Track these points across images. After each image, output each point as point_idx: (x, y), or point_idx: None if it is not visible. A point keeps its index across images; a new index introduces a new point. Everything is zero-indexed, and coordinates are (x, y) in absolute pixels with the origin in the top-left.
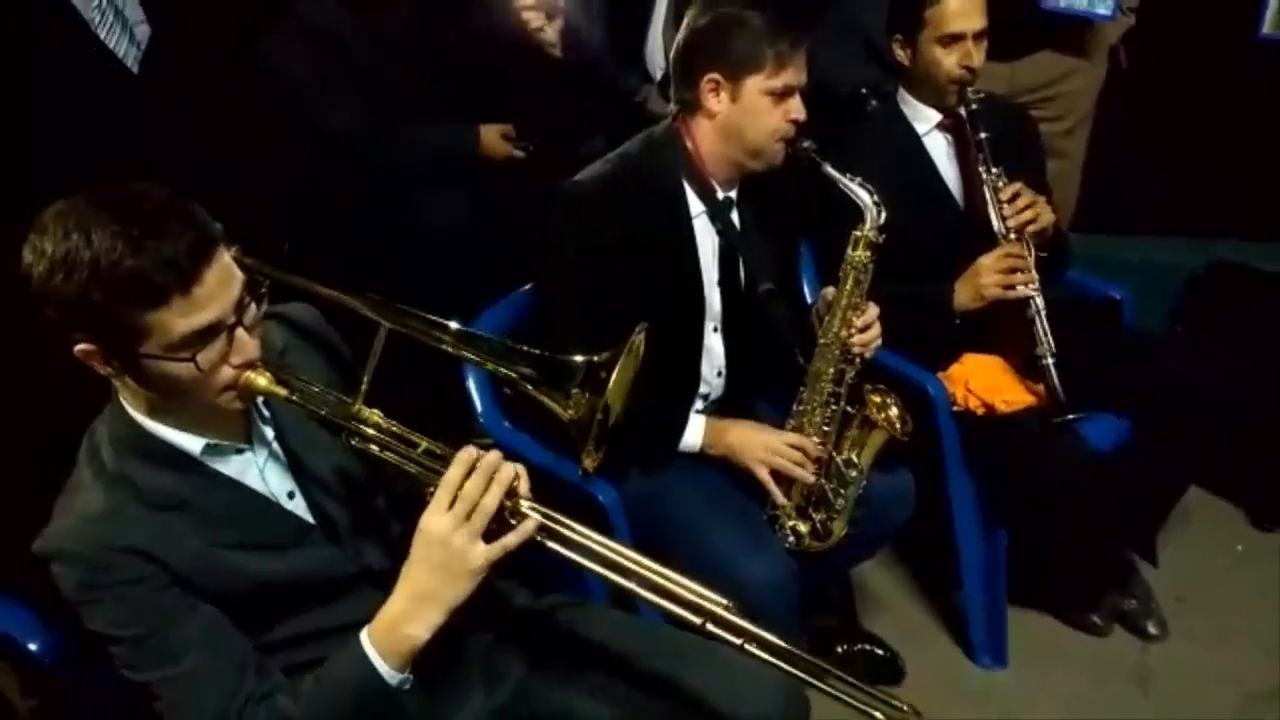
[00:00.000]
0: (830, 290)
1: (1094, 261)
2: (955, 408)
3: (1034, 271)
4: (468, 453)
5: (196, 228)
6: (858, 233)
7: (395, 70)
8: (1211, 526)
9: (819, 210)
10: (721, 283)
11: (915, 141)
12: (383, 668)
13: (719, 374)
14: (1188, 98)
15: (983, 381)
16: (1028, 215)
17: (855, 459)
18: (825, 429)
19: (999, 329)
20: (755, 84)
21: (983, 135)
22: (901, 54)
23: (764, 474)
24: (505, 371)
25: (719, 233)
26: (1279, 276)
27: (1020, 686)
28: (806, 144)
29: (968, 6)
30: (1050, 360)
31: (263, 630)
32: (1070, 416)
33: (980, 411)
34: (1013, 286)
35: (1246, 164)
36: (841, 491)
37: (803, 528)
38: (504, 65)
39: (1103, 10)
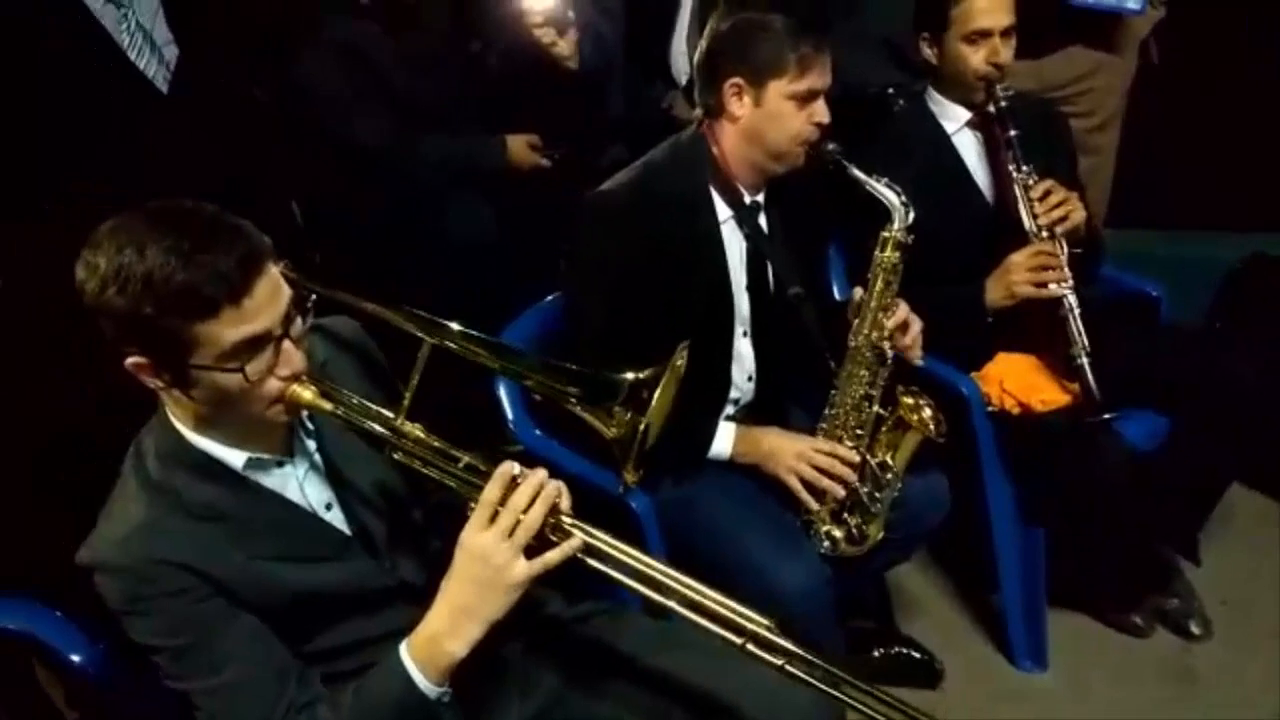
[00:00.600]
0: (859, 292)
1: (1129, 257)
2: (990, 408)
3: (1067, 269)
4: (507, 468)
5: (246, 242)
6: (886, 233)
7: (424, 84)
8: (1256, 524)
9: (846, 212)
10: (750, 287)
11: (944, 140)
12: (422, 682)
13: (749, 379)
14: (1220, 91)
15: (1018, 381)
16: (1059, 213)
17: (890, 461)
18: (858, 432)
19: (1033, 328)
20: (778, 88)
21: (1012, 133)
22: (929, 52)
23: (795, 483)
24: (549, 388)
25: (746, 237)
26: None
27: (1061, 689)
28: (831, 146)
29: (994, 3)
30: (1085, 359)
31: (301, 641)
32: (1106, 416)
33: (1016, 411)
34: (1044, 285)
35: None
36: (877, 495)
37: (838, 533)
38: (526, 77)
39: (1133, 4)
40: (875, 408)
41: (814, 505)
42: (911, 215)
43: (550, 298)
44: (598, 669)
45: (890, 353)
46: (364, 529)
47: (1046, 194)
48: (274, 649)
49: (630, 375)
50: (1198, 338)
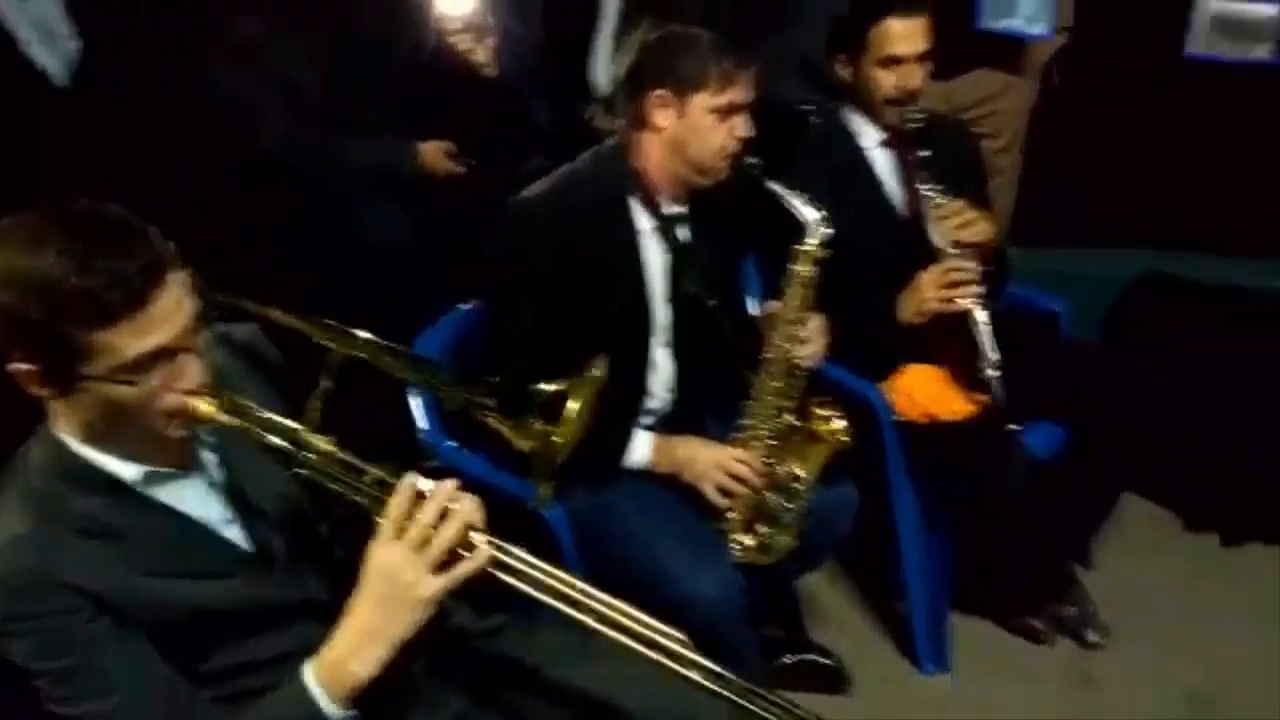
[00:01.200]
0: (775, 304)
1: (1030, 274)
2: (898, 418)
3: (976, 285)
4: (413, 481)
5: (149, 248)
6: (801, 248)
7: (333, 86)
8: (1146, 531)
9: (765, 225)
10: (670, 298)
11: (859, 157)
12: (326, 706)
13: (668, 389)
14: (1118, 113)
15: (924, 391)
16: (967, 231)
17: (801, 472)
18: (771, 443)
19: (941, 340)
20: (702, 101)
21: (922, 153)
22: (844, 73)
23: (711, 490)
24: (462, 400)
25: (667, 248)
26: (1209, 287)
27: (963, 692)
28: (751, 160)
29: (909, 30)
30: (994, 372)
31: (200, 660)
32: (1013, 427)
33: (922, 421)
34: (953, 300)
35: (1175, 177)
36: (788, 505)
37: (750, 541)
38: (443, 83)
39: (1038, 30)
40: (788, 419)
41: (728, 515)
42: (827, 230)
43: (465, 306)
44: (507, 684)
45: (802, 364)
46: (265, 544)
47: (956, 213)
48: (163, 673)
49: (546, 387)
50: (1095, 352)
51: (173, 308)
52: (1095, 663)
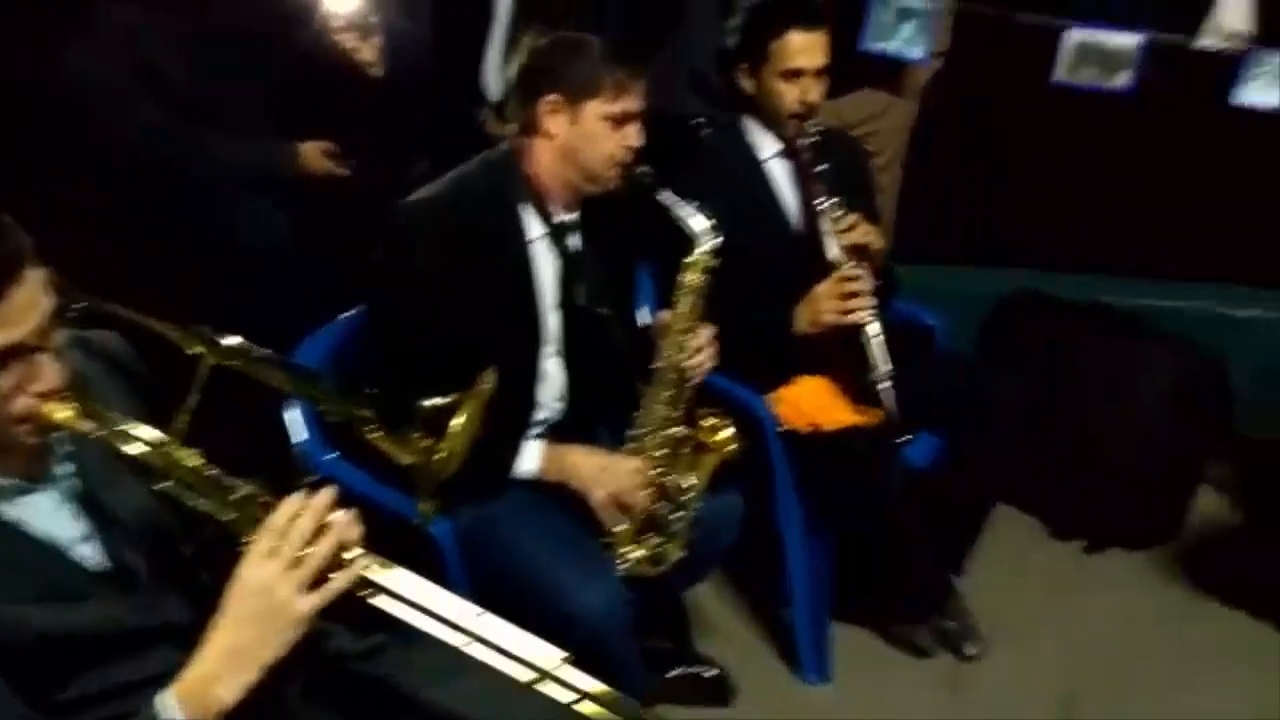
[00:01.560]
0: (665, 314)
1: (907, 290)
2: (783, 428)
3: (870, 297)
4: (292, 496)
5: (4, 241)
6: (690, 258)
7: (205, 79)
8: (1015, 537)
9: (658, 235)
10: (560, 306)
11: (756, 167)
12: None
13: (558, 398)
14: (992, 136)
15: (810, 402)
16: (864, 243)
17: (689, 482)
18: (661, 453)
19: (827, 351)
20: (594, 108)
21: (820, 167)
22: (746, 83)
23: (597, 499)
24: (342, 411)
25: (558, 256)
26: (1074, 304)
27: (844, 700)
28: (643, 169)
29: (810, 44)
30: (887, 383)
31: (55, 688)
32: (907, 437)
33: (807, 431)
34: (848, 312)
35: (1045, 198)
36: (675, 515)
37: (637, 553)
38: (327, 81)
39: (916, 53)
40: (677, 429)
41: (615, 525)
42: (717, 241)
43: (348, 314)
44: (386, 707)
45: (692, 374)
46: (123, 563)
47: (851, 227)
48: (9, 706)
49: (430, 401)
50: (969, 365)
51: (27, 304)
52: (970, 669)
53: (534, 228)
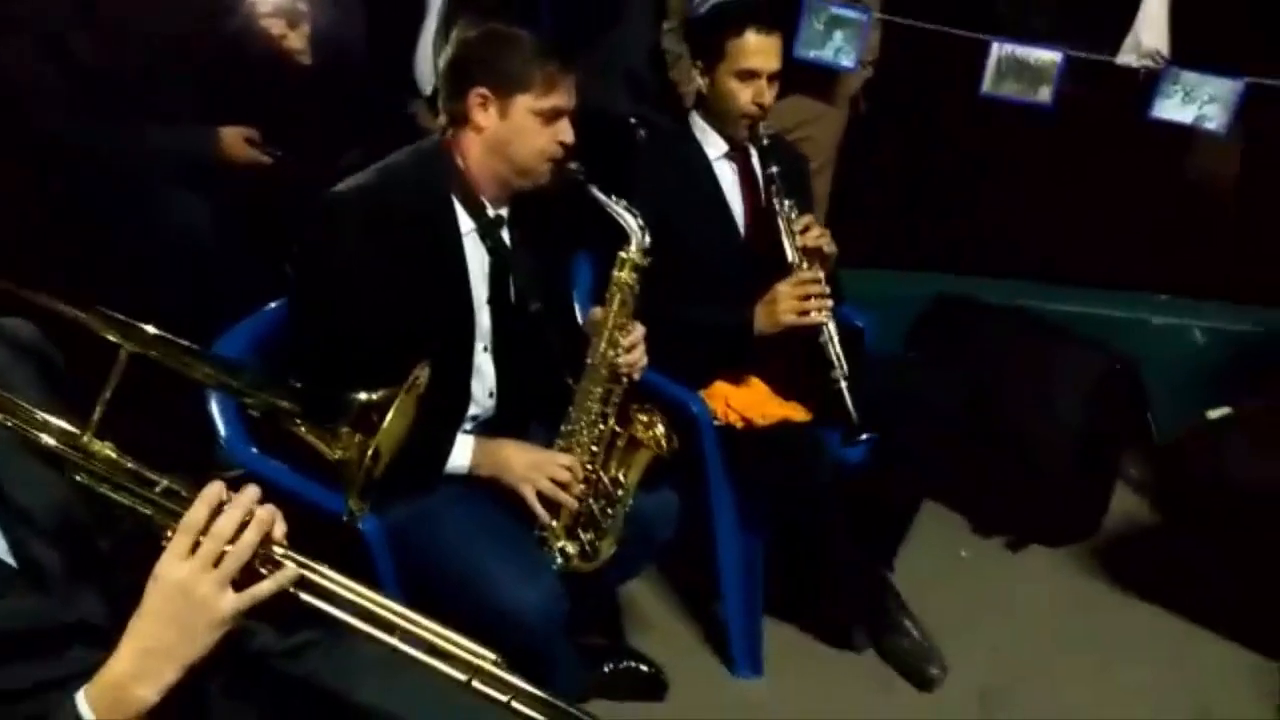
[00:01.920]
0: (598, 310)
1: None
2: (716, 422)
3: (827, 299)
4: (214, 490)
5: None
6: (623, 254)
7: (127, 67)
8: (938, 533)
9: (592, 231)
10: (491, 301)
11: (705, 166)
12: None
13: (490, 394)
14: (917, 145)
15: (742, 398)
16: (819, 244)
17: (622, 478)
18: (593, 449)
19: (764, 348)
20: (524, 103)
21: (774, 169)
22: (700, 81)
23: (530, 494)
24: (267, 405)
25: (489, 250)
26: (998, 308)
27: (775, 695)
28: (574, 166)
29: (766, 46)
30: (844, 383)
31: None
32: (864, 436)
33: (740, 426)
34: (807, 313)
35: (969, 206)
36: (609, 511)
37: (571, 549)
38: (253, 69)
39: (846, 62)
40: (610, 425)
41: (547, 518)
42: (648, 238)
43: (272, 305)
44: (310, 706)
45: (624, 371)
46: (33, 559)
47: (807, 228)
48: None
49: (361, 396)
50: (897, 366)
51: None
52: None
53: (465, 221)
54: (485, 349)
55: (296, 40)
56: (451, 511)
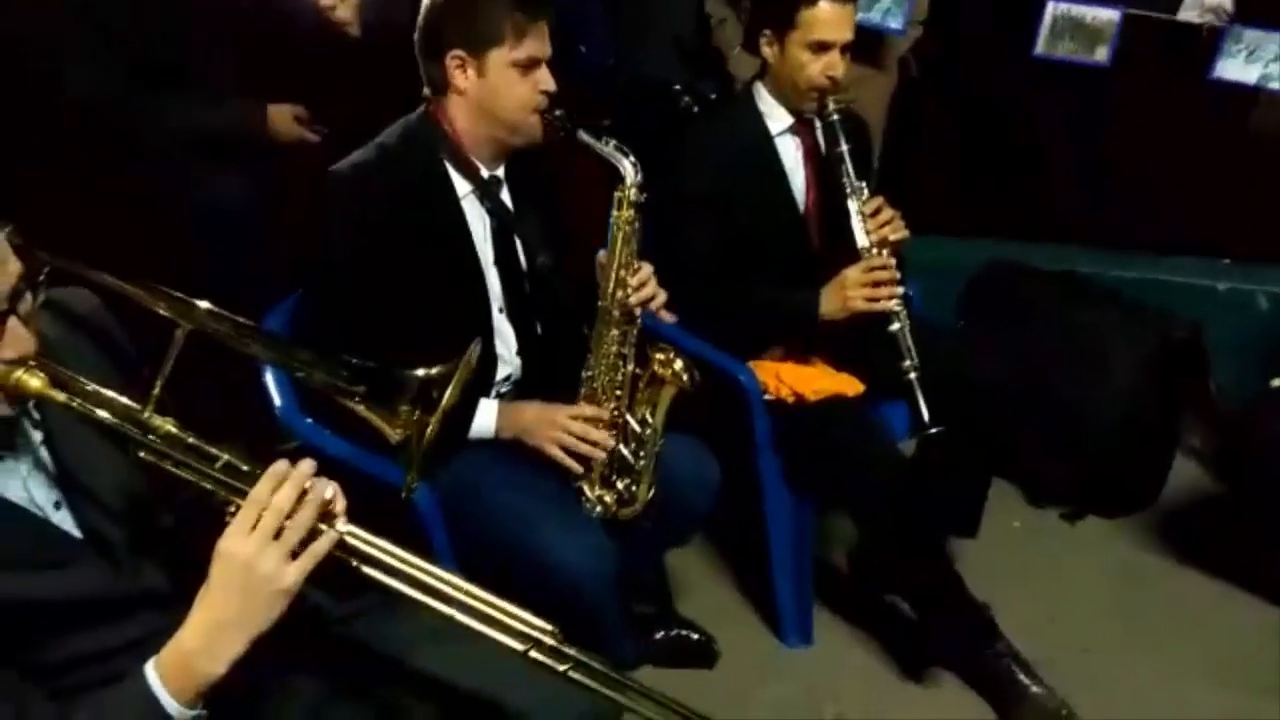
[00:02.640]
0: (603, 254)
1: None
2: (766, 396)
3: (898, 286)
4: (279, 468)
5: None
6: (619, 193)
7: (170, 37)
8: (993, 505)
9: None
10: (499, 262)
11: (766, 140)
12: (173, 706)
13: (516, 353)
14: (970, 107)
15: (792, 371)
16: (889, 229)
17: (649, 418)
18: (617, 393)
19: (822, 329)
20: (499, 57)
21: (846, 147)
22: (768, 50)
23: (554, 451)
24: (328, 384)
25: (489, 212)
26: (1053, 275)
27: (824, 664)
28: (558, 113)
29: (840, 16)
30: (914, 375)
31: (30, 654)
32: (933, 430)
33: (790, 400)
34: (877, 300)
35: (1021, 170)
36: (640, 453)
37: (608, 497)
38: (302, 41)
39: (894, 24)
40: (630, 367)
41: (577, 470)
42: (640, 175)
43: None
44: (365, 672)
45: (638, 311)
46: (99, 533)
47: (878, 210)
48: None
49: (420, 373)
50: (946, 335)
51: None
52: None
53: (462, 186)
54: (501, 310)
55: (345, 11)
56: (495, 476)
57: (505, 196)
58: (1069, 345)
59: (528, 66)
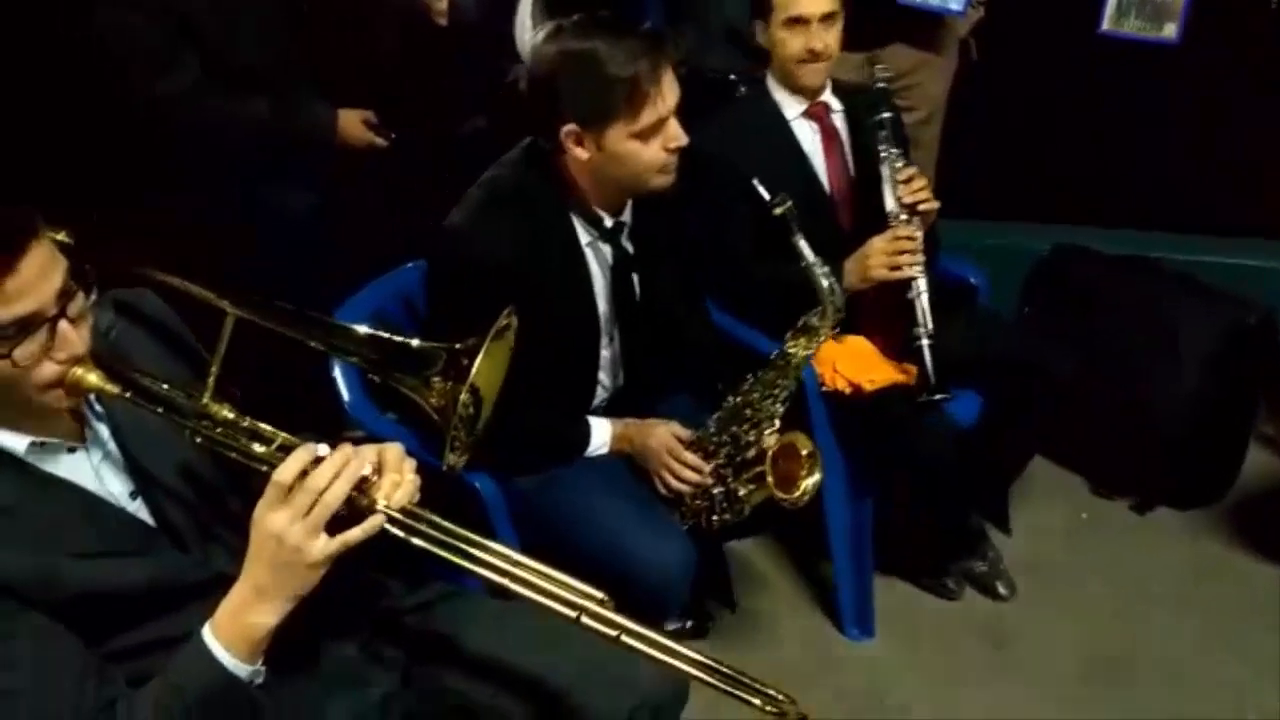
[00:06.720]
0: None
1: (950, 246)
2: (823, 388)
3: (921, 254)
4: (307, 448)
5: (9, 214)
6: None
7: (245, 40)
8: (1058, 496)
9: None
10: (614, 299)
11: (783, 127)
12: (230, 661)
13: (617, 379)
14: (1033, 90)
15: (849, 363)
16: (922, 195)
17: (742, 495)
18: (733, 455)
19: (868, 308)
20: (619, 131)
21: (885, 115)
22: (762, 39)
23: (658, 483)
24: (363, 359)
25: (612, 256)
26: (1116, 259)
27: (886, 655)
28: (786, 205)
29: None
30: (926, 341)
31: (105, 639)
32: (939, 396)
33: (847, 391)
34: (899, 268)
35: (1088, 152)
36: (724, 515)
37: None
38: (375, 36)
39: (955, 5)
40: (758, 444)
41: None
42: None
43: (380, 278)
44: (437, 658)
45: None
46: (171, 520)
47: (911, 178)
48: (68, 648)
49: (448, 343)
50: (1011, 322)
51: (38, 275)
52: (1009, 624)
53: (584, 234)
54: (611, 340)
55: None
56: (582, 475)
57: (626, 242)
58: (1138, 331)
59: (651, 132)
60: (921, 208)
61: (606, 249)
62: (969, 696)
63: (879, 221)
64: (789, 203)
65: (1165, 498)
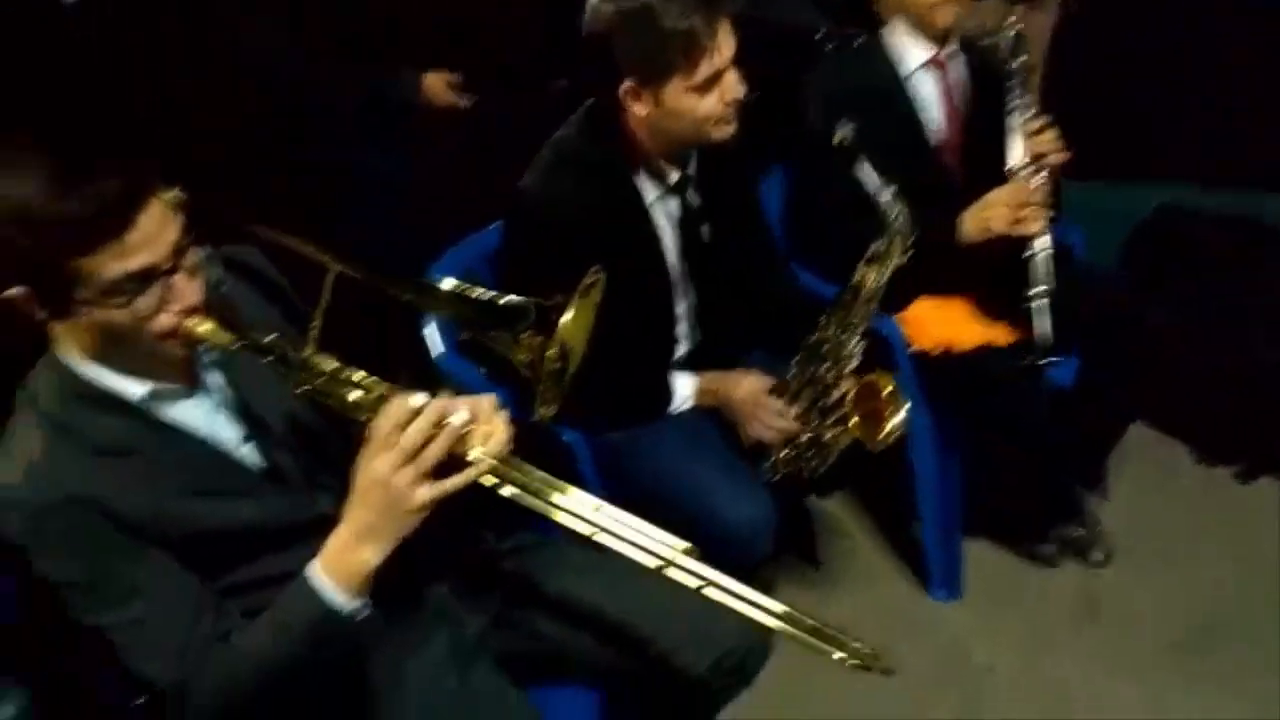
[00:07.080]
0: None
1: None
2: (911, 349)
3: (1045, 209)
4: (409, 397)
5: (130, 168)
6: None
7: (332, 4)
8: (1159, 463)
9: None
10: (685, 254)
11: (895, 82)
12: (335, 597)
13: (695, 330)
14: (1135, 46)
15: (937, 323)
16: (1052, 146)
17: (828, 439)
18: (818, 403)
19: (972, 265)
20: (677, 86)
21: (1017, 62)
22: None
23: (744, 435)
24: (453, 314)
25: (680, 209)
26: (1222, 219)
27: (972, 618)
28: (847, 132)
29: None
30: (1045, 301)
31: (220, 575)
32: (1054, 359)
33: (936, 352)
34: (1020, 222)
35: (1192, 108)
36: (810, 461)
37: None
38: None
39: None
40: (844, 392)
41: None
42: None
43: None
44: (527, 602)
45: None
46: (279, 463)
47: (1041, 130)
48: (187, 582)
49: (536, 300)
50: (1110, 283)
51: (155, 229)
52: (1102, 590)
53: (650, 191)
54: (685, 295)
55: None
56: (667, 430)
57: (693, 194)
58: (1246, 296)
59: (709, 84)
60: (1053, 158)
61: (674, 203)
62: (1055, 661)
63: (995, 173)
64: (848, 127)
65: (1270, 467)
